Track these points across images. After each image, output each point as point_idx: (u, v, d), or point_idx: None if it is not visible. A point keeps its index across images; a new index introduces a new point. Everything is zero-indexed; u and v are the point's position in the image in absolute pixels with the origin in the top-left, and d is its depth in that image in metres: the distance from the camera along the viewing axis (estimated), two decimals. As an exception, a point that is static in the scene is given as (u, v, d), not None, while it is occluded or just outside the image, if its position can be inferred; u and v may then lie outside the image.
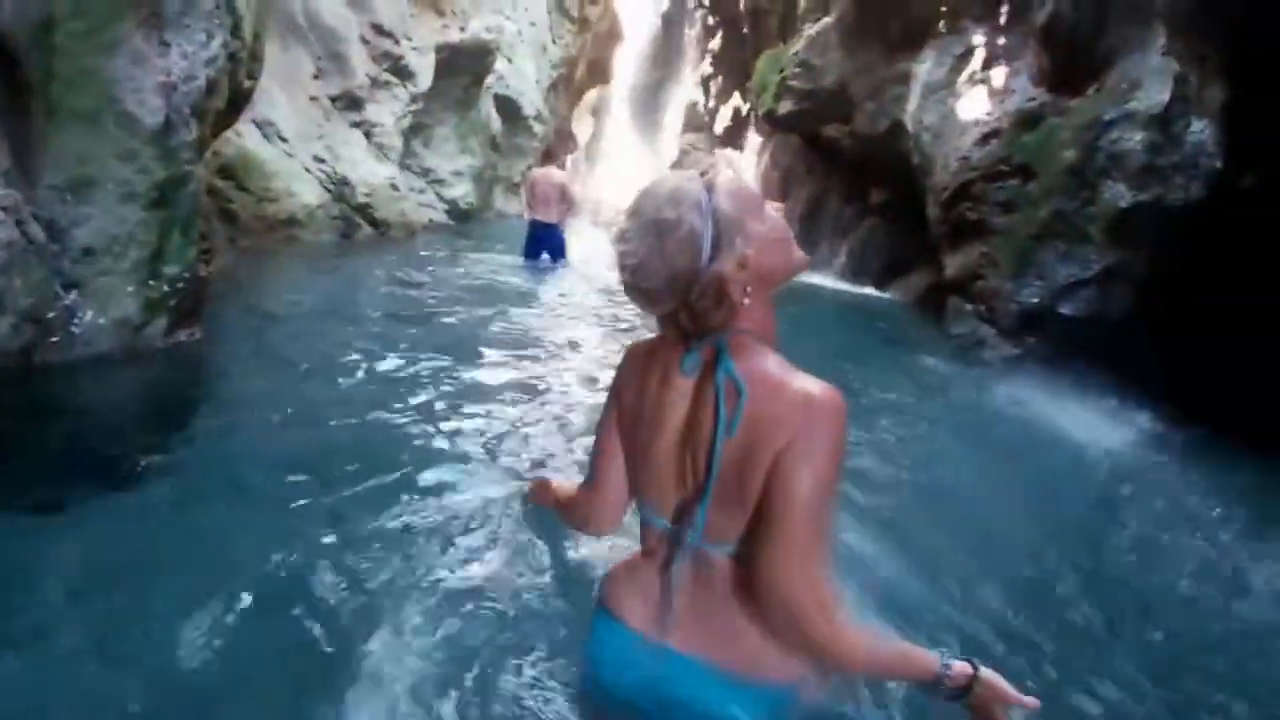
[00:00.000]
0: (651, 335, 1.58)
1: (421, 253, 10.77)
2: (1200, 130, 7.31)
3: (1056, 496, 4.89)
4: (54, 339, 3.98)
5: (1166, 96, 7.61)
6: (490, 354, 5.66)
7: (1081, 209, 8.24)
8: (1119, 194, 7.88)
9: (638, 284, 1.42)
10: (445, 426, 3.98)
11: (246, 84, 5.63)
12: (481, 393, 4.68)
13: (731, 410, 1.36)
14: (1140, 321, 7.49)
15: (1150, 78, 7.90)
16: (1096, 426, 6.49)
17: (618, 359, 1.71)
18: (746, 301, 1.40)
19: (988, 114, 10.78)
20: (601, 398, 1.86)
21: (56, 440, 3.43)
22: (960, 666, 1.43)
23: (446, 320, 6.57)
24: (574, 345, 6.43)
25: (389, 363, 4.94)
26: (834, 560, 1.38)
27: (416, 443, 3.75)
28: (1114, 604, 3.38)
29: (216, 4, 4.38)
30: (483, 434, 4.00)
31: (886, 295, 14.60)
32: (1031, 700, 1.44)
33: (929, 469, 4.73)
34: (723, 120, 24.30)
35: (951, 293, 10.03)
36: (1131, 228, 7.72)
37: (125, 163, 4.05)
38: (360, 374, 4.67)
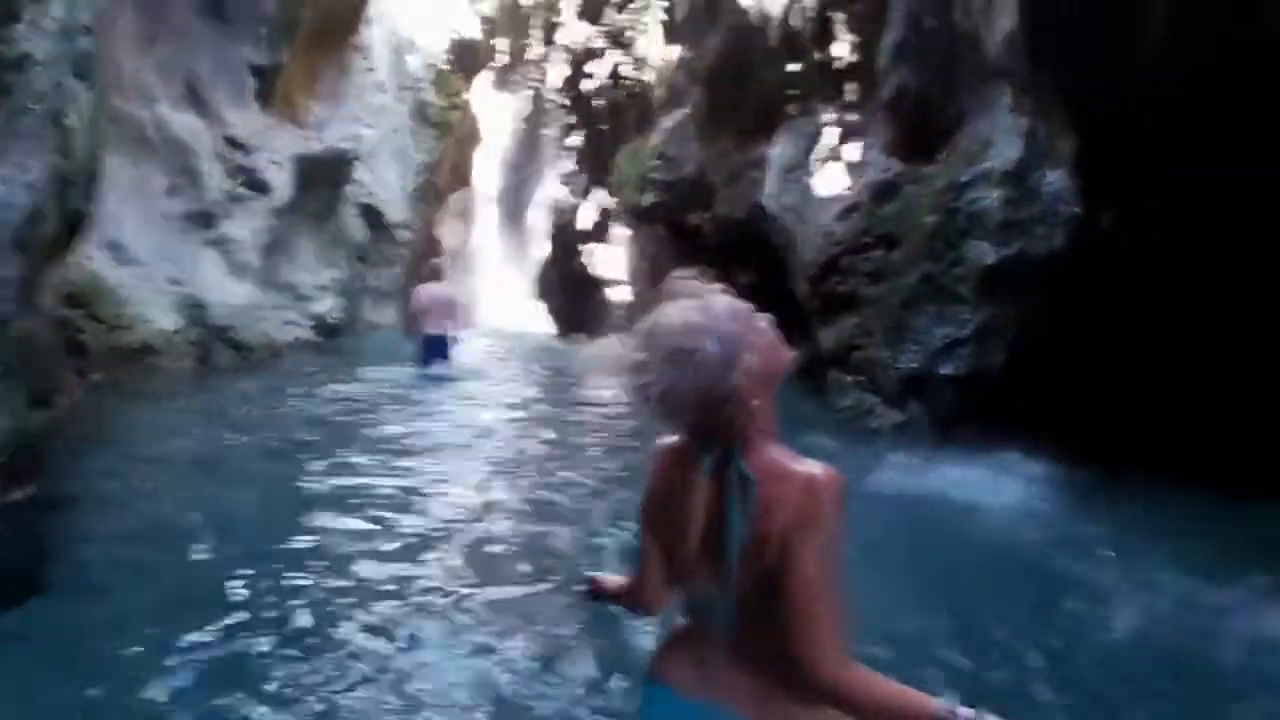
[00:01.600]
0: (670, 439, 1.78)
1: (290, 376, 10.28)
2: (1055, 180, 7.45)
3: (959, 557, 4.90)
4: None
5: (1019, 152, 7.85)
6: (365, 462, 5.34)
7: (948, 270, 8.49)
8: (983, 252, 8.07)
9: (667, 407, 1.60)
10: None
11: (84, 207, 5.21)
12: (352, 505, 4.33)
13: (743, 500, 1.57)
14: (1020, 373, 7.67)
15: (1001, 135, 8.21)
16: (991, 482, 6.58)
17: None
18: (757, 404, 1.59)
19: (846, 189, 11.23)
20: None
21: None
22: (965, 711, 1.49)
23: (317, 450, 6.08)
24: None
25: (260, 512, 4.44)
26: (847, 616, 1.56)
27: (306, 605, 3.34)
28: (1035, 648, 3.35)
29: (39, 120, 3.98)
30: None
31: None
32: None
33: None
34: (588, 215, 24.62)
35: (831, 366, 10.21)
36: (1000, 283, 7.90)
37: (-62, 302, 3.59)
38: (224, 530, 4.17)
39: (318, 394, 8.21)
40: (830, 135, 12.41)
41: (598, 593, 2.26)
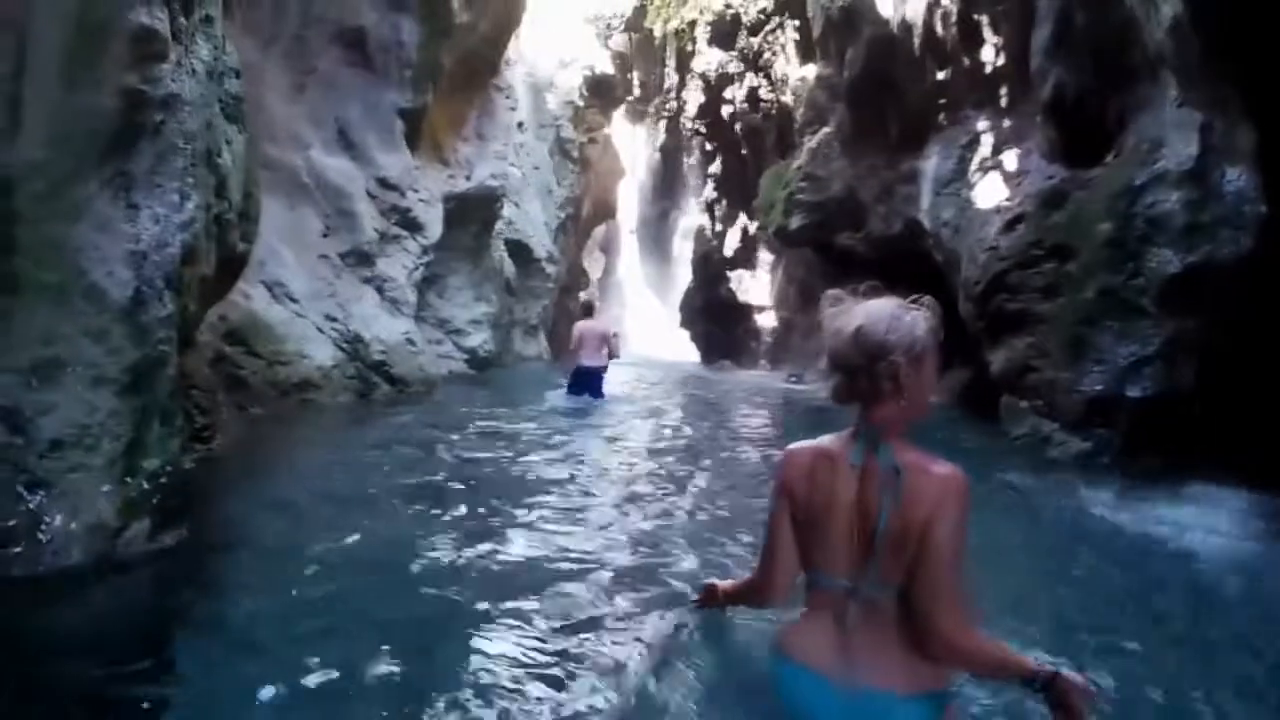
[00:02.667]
0: (798, 443, 2.07)
1: (447, 408, 10.36)
2: (1237, 177, 6.75)
3: (1200, 610, 4.18)
4: (17, 549, 3.44)
5: (1195, 149, 7.13)
6: (520, 499, 5.13)
7: (1129, 281, 7.69)
8: (1166, 260, 7.31)
9: (845, 358, 1.93)
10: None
11: (240, 247, 5.32)
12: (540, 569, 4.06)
13: (894, 491, 1.83)
14: (1213, 392, 6.82)
15: (1172, 133, 7.47)
16: (1195, 520, 5.75)
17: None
18: (903, 403, 1.91)
19: (1007, 200, 10.44)
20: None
21: (16, 677, 2.83)
22: (1048, 668, 1.87)
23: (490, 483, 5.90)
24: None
25: (432, 554, 4.17)
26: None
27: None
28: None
29: (193, 161, 4.01)
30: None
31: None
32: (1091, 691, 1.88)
33: (1033, 603, 4.01)
34: (732, 242, 24.32)
35: (1002, 391, 9.40)
36: (1186, 293, 7.10)
37: (95, 343, 3.61)
38: (398, 572, 3.90)
39: (472, 428, 8.14)
40: (985, 143, 11.67)
41: (712, 598, 2.51)
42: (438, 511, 4.86)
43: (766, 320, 24.13)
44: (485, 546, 4.22)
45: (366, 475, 5.78)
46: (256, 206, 5.79)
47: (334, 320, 10.14)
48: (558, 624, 3.32)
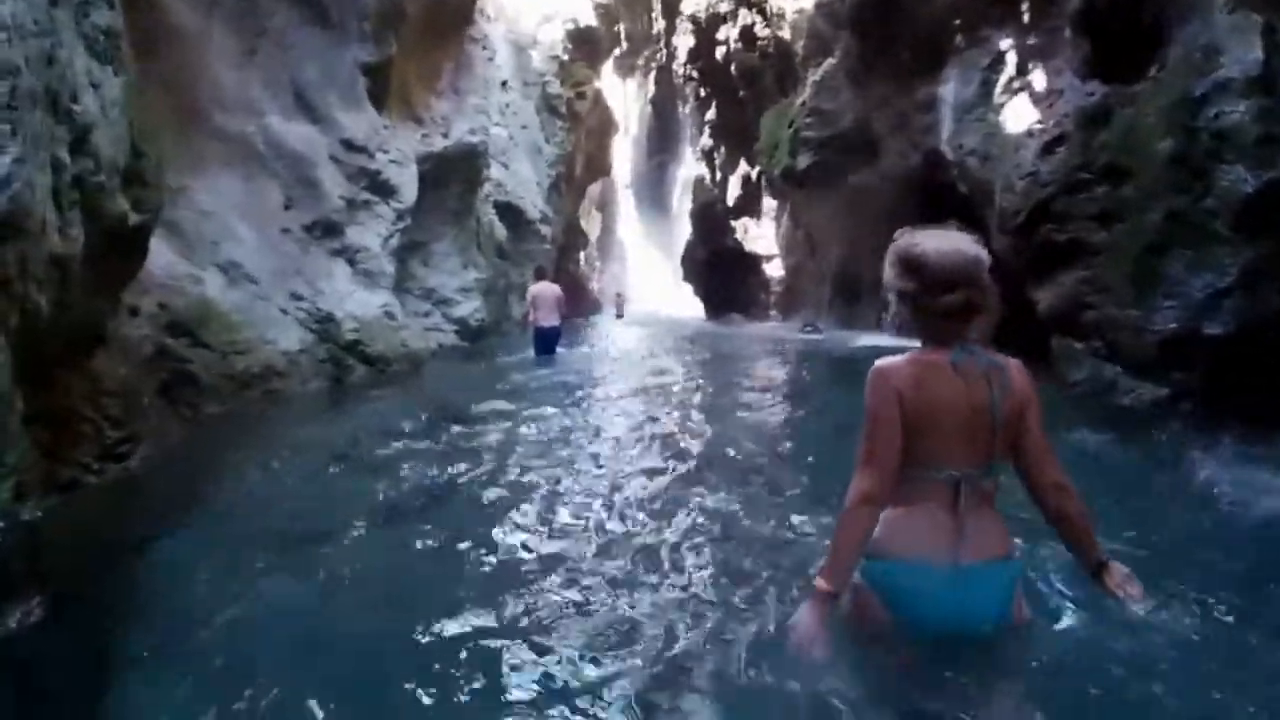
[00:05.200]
0: (887, 359, 2.20)
1: (431, 389, 9.30)
2: None
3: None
4: None
5: (1258, 54, 6.22)
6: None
7: (1198, 204, 6.69)
8: (1239, 177, 6.36)
9: (968, 276, 2.12)
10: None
11: (133, 218, 4.23)
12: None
13: (999, 382, 2.14)
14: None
15: (1228, 39, 6.59)
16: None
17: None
18: (988, 315, 2.18)
19: (1039, 122, 9.36)
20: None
21: None
22: (1105, 555, 2.25)
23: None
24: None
25: (392, 625, 3.07)
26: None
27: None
28: None
29: (10, 102, 2.91)
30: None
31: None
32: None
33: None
34: (733, 190, 23.17)
35: (1053, 332, 8.36)
36: (1265, 213, 6.15)
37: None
38: (340, 652, 2.87)
39: (456, 413, 7.06)
40: (1009, 63, 10.57)
41: (822, 609, 2.20)
42: (406, 543, 3.77)
43: (774, 269, 23.08)
44: (469, 608, 3.12)
45: (321, 493, 4.69)
46: (155, 170, 4.68)
47: (300, 299, 9.11)
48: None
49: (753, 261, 23.38)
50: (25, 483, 2.76)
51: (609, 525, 3.92)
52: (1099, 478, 4.88)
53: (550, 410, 7.28)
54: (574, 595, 3.11)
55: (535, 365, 11.77)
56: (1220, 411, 6.17)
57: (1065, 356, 8.03)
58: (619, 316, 30.09)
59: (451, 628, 2.87)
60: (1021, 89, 10.30)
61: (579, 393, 8.66)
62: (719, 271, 24.73)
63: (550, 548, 3.61)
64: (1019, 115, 9.98)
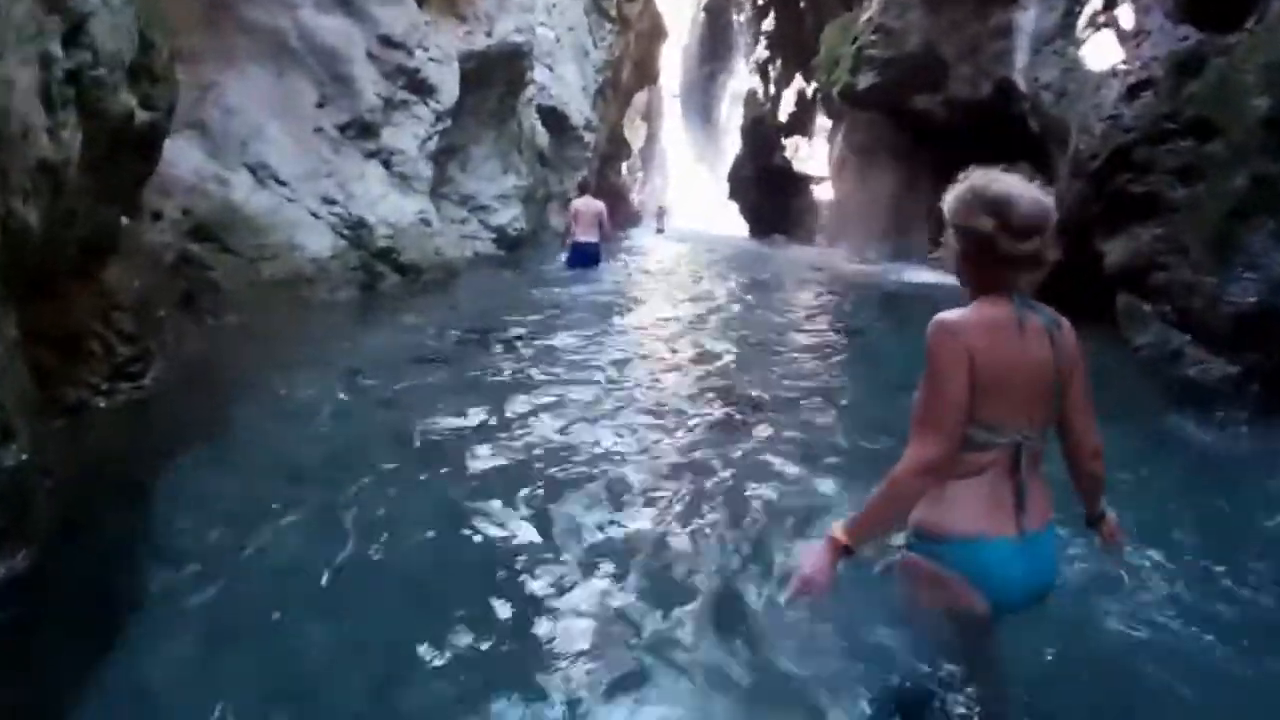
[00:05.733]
0: (950, 312, 2.02)
1: (465, 301, 9.01)
2: None
3: None
4: None
5: None
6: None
7: (1289, 172, 6.09)
8: None
9: (1047, 224, 1.99)
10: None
11: (141, 116, 3.90)
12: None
13: (1059, 342, 2.04)
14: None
15: None
16: None
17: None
18: (1044, 269, 2.06)
19: (1124, 63, 8.64)
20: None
21: None
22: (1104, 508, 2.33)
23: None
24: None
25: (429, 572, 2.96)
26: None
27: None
28: None
29: None
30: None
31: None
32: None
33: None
34: (786, 106, 22.22)
35: (1119, 288, 7.87)
36: None
37: None
38: (370, 594, 2.77)
39: (489, 330, 6.82)
40: (1096, -4, 9.72)
41: (833, 560, 2.10)
42: (429, 486, 3.58)
43: (824, 192, 22.27)
44: (496, 544, 2.99)
45: (342, 420, 4.46)
46: (167, 63, 4.31)
47: (332, 204, 8.82)
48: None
49: (802, 182, 22.59)
50: (10, 420, 2.51)
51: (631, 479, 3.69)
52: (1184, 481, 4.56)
53: (587, 335, 7.03)
54: (595, 564, 2.93)
55: (572, 281, 11.56)
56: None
57: (1131, 317, 7.55)
58: (660, 231, 29.54)
59: (470, 586, 2.74)
60: (1107, 24, 9.48)
61: (616, 320, 8.34)
62: (766, 190, 23.99)
63: (570, 505, 3.40)
64: (1103, 52, 9.24)
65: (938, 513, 2.08)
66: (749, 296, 11.45)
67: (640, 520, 3.29)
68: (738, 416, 4.76)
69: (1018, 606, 2.16)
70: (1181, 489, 4.31)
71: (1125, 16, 9.19)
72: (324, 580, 2.76)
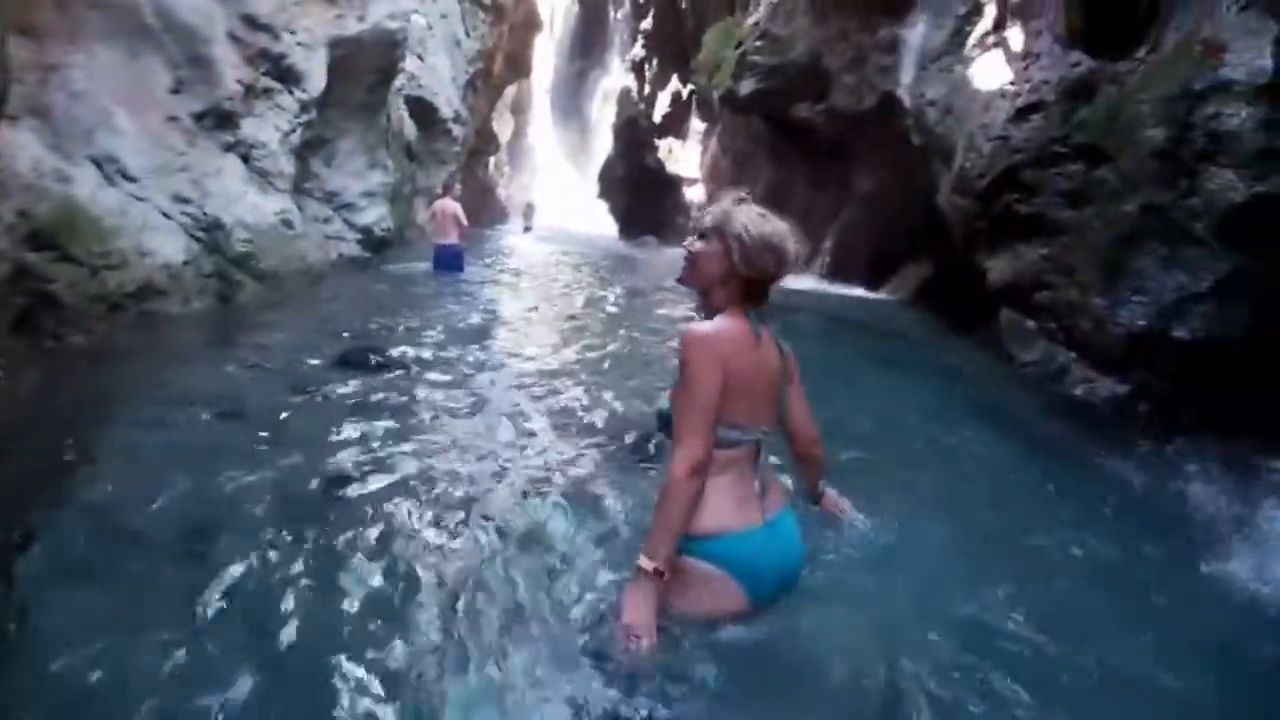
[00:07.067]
0: (702, 325, 2.30)
1: (330, 312, 8.25)
2: None
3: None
4: None
5: (1269, 62, 5.72)
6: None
7: (1181, 201, 6.27)
8: (1229, 184, 5.91)
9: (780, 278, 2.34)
10: None
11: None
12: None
13: (780, 349, 2.41)
14: (1269, 345, 5.59)
15: (1238, 37, 6.06)
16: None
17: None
18: None
19: (1013, 84, 8.85)
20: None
21: None
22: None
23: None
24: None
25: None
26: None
27: None
28: None
29: None
30: None
31: (880, 296, 12.66)
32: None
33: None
34: (661, 107, 22.14)
35: (1002, 304, 8.06)
36: (1250, 226, 5.75)
37: None
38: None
39: (367, 352, 6.18)
40: (988, 16, 9.97)
41: (648, 624, 2.15)
42: (310, 546, 3.05)
43: (695, 194, 22.33)
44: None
45: (205, 472, 3.69)
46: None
47: (185, 202, 7.88)
48: None
49: (674, 184, 22.58)
50: None
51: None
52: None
53: (464, 359, 6.47)
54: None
55: (439, 288, 11.17)
56: (1177, 417, 6.01)
57: (1015, 333, 7.73)
58: (528, 229, 28.84)
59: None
60: (996, 45, 9.73)
61: (490, 343, 7.61)
62: (637, 191, 23.85)
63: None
64: (991, 73, 9.45)
65: (709, 507, 2.24)
66: (631, 303, 11.16)
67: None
68: (634, 456, 4.37)
69: (774, 594, 2.36)
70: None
71: (1015, 39, 9.39)
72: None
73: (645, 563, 2.17)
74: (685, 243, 2.47)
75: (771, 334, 2.39)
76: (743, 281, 2.30)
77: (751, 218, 2.30)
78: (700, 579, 2.24)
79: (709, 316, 2.35)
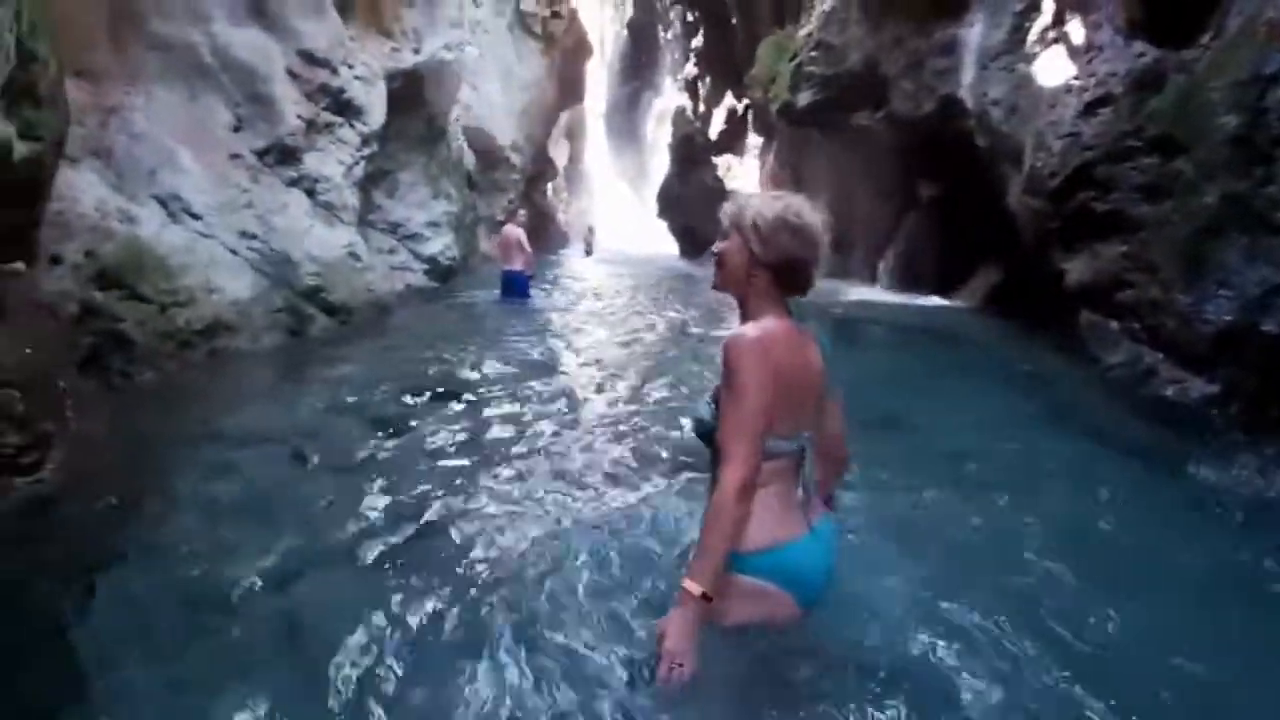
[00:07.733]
0: (749, 327, 2.14)
1: (400, 343, 8.26)
2: None
3: None
4: None
5: None
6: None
7: (1260, 189, 5.93)
8: None
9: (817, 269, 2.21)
10: None
11: (20, 149, 3.21)
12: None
13: (820, 350, 2.25)
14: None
15: None
16: None
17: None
18: None
19: (1077, 79, 8.54)
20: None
21: None
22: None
23: None
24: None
25: None
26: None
27: None
28: None
29: None
30: None
31: (949, 304, 12.31)
32: None
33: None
34: (717, 123, 22.07)
35: (1082, 305, 7.72)
36: None
37: None
38: None
39: (429, 380, 6.18)
40: (1046, 11, 9.65)
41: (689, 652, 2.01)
42: (387, 601, 2.94)
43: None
44: None
45: (275, 518, 3.64)
46: (54, 80, 3.63)
47: (251, 238, 8.06)
48: None
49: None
50: None
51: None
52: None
53: (527, 387, 6.39)
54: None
55: (506, 315, 11.13)
56: (1269, 415, 5.67)
57: (1098, 335, 7.38)
58: (588, 253, 29.01)
59: None
60: (1057, 40, 9.42)
61: (562, 376, 7.47)
62: (696, 209, 23.74)
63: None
64: (1054, 68, 9.15)
65: (758, 520, 2.11)
66: (690, 321, 11.05)
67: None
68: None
69: (820, 597, 2.28)
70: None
71: (1075, 32, 9.09)
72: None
73: (692, 586, 2.02)
74: (712, 248, 2.30)
75: (812, 332, 2.26)
76: (771, 271, 2.15)
77: (764, 201, 2.18)
78: (752, 595, 2.14)
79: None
